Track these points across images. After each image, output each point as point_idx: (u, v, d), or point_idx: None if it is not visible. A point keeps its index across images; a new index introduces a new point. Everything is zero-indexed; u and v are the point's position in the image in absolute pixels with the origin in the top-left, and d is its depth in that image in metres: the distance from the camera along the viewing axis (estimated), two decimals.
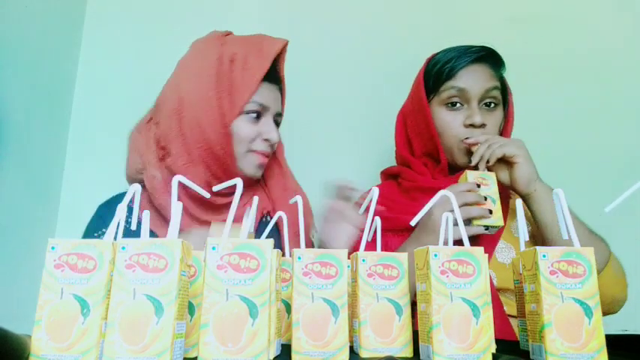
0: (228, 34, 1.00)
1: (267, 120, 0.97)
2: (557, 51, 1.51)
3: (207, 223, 0.92)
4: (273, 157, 1.05)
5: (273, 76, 0.98)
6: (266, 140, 0.96)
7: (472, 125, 1.00)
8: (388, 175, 1.16)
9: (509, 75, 1.10)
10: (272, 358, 0.51)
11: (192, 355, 0.55)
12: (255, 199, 0.63)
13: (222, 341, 0.47)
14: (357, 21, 1.52)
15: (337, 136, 1.46)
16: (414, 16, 1.53)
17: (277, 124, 1.01)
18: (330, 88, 1.48)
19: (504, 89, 1.07)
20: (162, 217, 0.94)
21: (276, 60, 0.97)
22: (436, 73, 1.05)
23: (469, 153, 1.00)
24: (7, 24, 1.19)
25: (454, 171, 1.05)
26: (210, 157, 0.93)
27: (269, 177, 1.05)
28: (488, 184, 0.91)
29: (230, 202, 0.98)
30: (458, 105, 1.02)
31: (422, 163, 1.07)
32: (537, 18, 1.53)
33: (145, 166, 0.95)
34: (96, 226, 0.96)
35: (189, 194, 0.92)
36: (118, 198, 0.99)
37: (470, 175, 0.92)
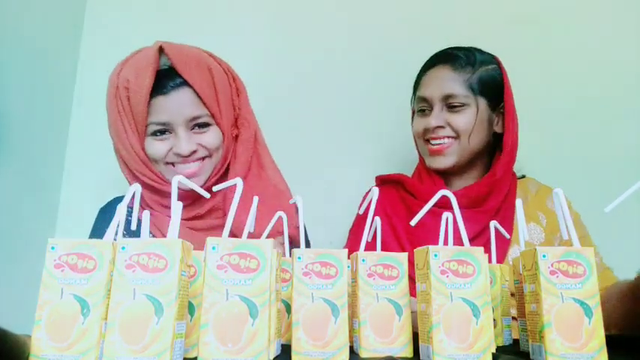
0: (159, 45, 0.92)
1: (177, 133, 0.91)
2: (558, 51, 1.51)
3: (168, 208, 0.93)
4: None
5: (179, 81, 0.90)
6: (177, 154, 0.92)
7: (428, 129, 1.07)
8: (384, 181, 1.15)
9: (510, 75, 1.10)
10: (272, 358, 0.51)
11: (192, 355, 0.55)
12: (255, 198, 0.63)
13: (222, 341, 0.47)
14: (357, 21, 1.52)
15: (336, 137, 1.46)
16: (414, 17, 1.53)
17: (205, 125, 0.93)
18: (330, 89, 1.48)
19: (481, 88, 1.05)
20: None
21: (174, 66, 0.90)
22: (413, 86, 1.15)
23: (432, 153, 1.07)
24: (8, 24, 1.19)
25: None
26: (143, 185, 0.92)
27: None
28: None
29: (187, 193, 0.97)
30: (426, 111, 1.08)
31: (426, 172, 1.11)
32: (538, 18, 1.53)
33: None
34: (101, 229, 0.97)
35: (144, 183, 0.93)
36: (117, 201, 1.00)
37: None
